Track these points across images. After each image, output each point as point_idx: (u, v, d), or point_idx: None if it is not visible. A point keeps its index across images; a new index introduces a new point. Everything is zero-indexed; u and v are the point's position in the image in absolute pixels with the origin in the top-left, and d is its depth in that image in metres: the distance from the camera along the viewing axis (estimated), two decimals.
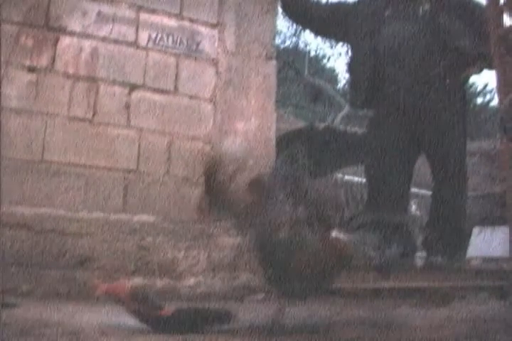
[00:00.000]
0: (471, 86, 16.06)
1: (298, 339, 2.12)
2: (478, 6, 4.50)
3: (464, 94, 4.65)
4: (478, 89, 18.20)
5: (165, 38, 3.83)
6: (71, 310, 2.52)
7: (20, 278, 3.16)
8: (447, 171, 4.30)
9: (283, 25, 16.66)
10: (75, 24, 3.62)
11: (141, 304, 2.20)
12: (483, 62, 4.31)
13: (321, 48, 20.70)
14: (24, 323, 2.17)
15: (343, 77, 19.67)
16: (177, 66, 3.83)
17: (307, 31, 13.95)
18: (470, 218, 4.61)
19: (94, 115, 3.57)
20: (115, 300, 2.24)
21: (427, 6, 4.41)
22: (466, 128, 4.45)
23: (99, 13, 3.69)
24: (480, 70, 4.55)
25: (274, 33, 4.33)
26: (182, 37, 3.87)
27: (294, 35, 18.37)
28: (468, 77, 4.69)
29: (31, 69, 3.48)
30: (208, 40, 3.95)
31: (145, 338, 2.00)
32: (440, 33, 4.29)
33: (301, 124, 8.08)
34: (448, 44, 4.27)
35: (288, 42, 18.52)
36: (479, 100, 18.22)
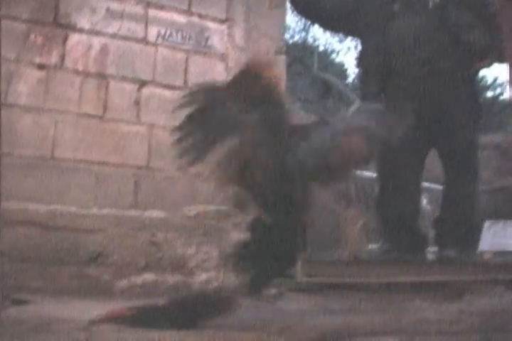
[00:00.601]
0: (481, 79, 15.98)
1: (311, 334, 2.11)
2: None
3: (475, 88, 4.63)
4: (489, 83, 18.12)
5: (174, 34, 3.83)
6: (84, 306, 2.53)
7: (32, 274, 3.17)
8: (459, 165, 4.29)
9: (291, 20, 16.65)
10: (84, 21, 3.62)
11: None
12: (493, 56, 4.30)
13: (329, 43, 20.69)
14: (37, 319, 2.18)
15: (352, 71, 19.63)
16: (186, 62, 3.83)
17: (316, 26, 13.96)
18: (482, 212, 4.59)
19: (104, 112, 3.58)
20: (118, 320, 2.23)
21: None
22: (477, 121, 4.43)
23: (108, 10, 3.69)
24: (490, 63, 4.53)
25: (284, 27, 4.33)
26: (191, 33, 3.87)
27: (303, 30, 18.34)
28: (479, 71, 4.67)
29: (41, 67, 3.49)
30: (217, 36, 3.95)
31: (158, 334, 2.00)
32: (450, 26, 4.28)
33: (311, 119, 8.07)
34: (458, 37, 4.25)
35: (296, 38, 18.50)
36: (489, 94, 18.13)
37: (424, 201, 7.51)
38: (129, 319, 2.17)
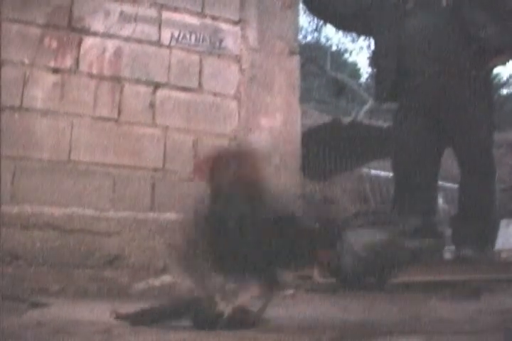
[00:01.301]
0: (495, 77, 15.92)
1: (329, 334, 2.11)
2: None
3: (490, 85, 4.60)
4: (503, 80, 18.04)
5: (188, 36, 3.84)
6: (102, 308, 2.53)
7: (50, 277, 3.19)
8: (474, 163, 4.26)
9: (304, 20, 16.67)
10: (97, 25, 3.65)
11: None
12: (508, 53, 4.27)
13: (342, 43, 20.71)
14: (56, 322, 2.18)
15: (365, 71, 19.65)
16: (200, 64, 3.84)
17: (328, 26, 13.96)
18: (498, 210, 4.57)
19: (119, 114, 3.60)
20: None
21: None
22: (492, 119, 4.40)
23: (121, 13, 3.71)
24: (505, 61, 4.50)
25: (297, 28, 4.33)
26: (205, 34, 3.88)
27: (316, 30, 18.35)
28: (493, 68, 4.64)
29: (56, 71, 3.51)
30: (231, 37, 3.95)
31: (177, 335, 2.00)
32: (464, 24, 4.25)
33: (325, 119, 8.07)
34: (472, 35, 4.22)
35: (309, 38, 18.52)
36: (504, 91, 18.07)
37: (441, 200, 7.49)
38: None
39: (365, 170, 8.89)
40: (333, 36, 24.67)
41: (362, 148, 6.81)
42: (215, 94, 3.85)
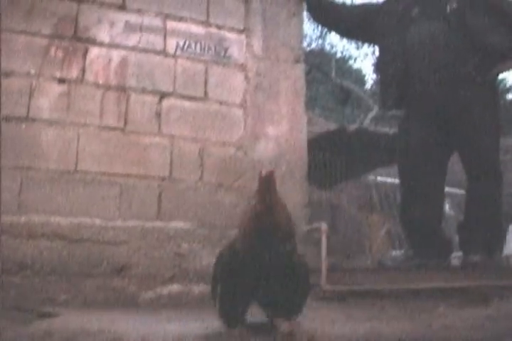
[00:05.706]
0: (501, 82, 15.90)
1: None
2: (507, 1, 4.45)
3: (495, 91, 4.60)
4: (509, 86, 18.01)
5: (193, 45, 3.85)
6: (110, 317, 2.53)
7: (58, 287, 3.19)
8: (481, 169, 4.26)
9: (308, 27, 16.67)
10: (103, 35, 3.66)
11: None
12: None
13: (347, 50, 20.67)
14: (65, 332, 2.19)
15: (370, 78, 19.64)
16: (206, 72, 3.85)
17: (333, 33, 13.97)
18: (505, 216, 4.56)
19: (125, 124, 3.60)
20: None
21: (454, 4, 4.37)
22: (498, 125, 4.40)
23: (126, 23, 3.72)
24: (511, 67, 4.50)
25: (302, 35, 4.34)
26: (210, 43, 3.89)
27: (320, 37, 18.35)
28: (498, 74, 4.64)
29: (62, 81, 3.52)
30: (236, 46, 3.96)
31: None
32: (469, 31, 4.25)
33: (331, 126, 8.07)
34: (477, 41, 4.22)
35: (314, 45, 18.51)
36: (510, 96, 18.02)
37: (447, 206, 7.48)
38: None
39: (371, 177, 8.89)
40: (337, 43, 24.65)
41: (368, 155, 6.80)
42: (220, 103, 3.85)
